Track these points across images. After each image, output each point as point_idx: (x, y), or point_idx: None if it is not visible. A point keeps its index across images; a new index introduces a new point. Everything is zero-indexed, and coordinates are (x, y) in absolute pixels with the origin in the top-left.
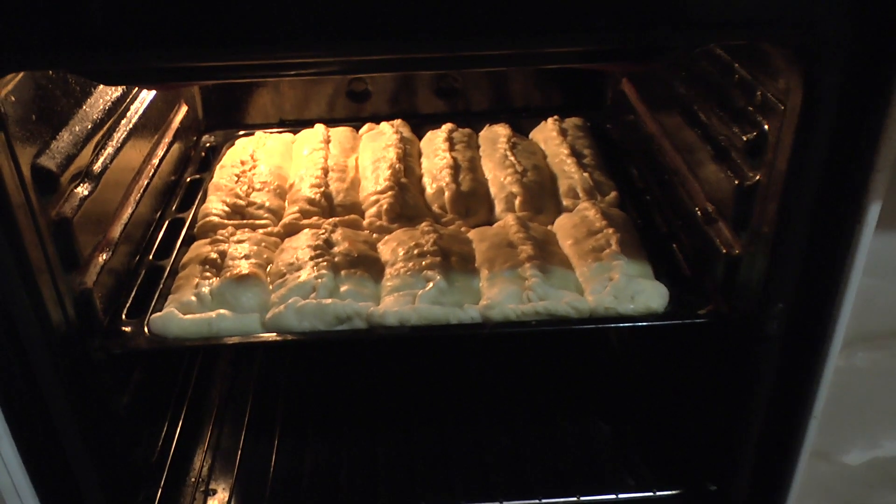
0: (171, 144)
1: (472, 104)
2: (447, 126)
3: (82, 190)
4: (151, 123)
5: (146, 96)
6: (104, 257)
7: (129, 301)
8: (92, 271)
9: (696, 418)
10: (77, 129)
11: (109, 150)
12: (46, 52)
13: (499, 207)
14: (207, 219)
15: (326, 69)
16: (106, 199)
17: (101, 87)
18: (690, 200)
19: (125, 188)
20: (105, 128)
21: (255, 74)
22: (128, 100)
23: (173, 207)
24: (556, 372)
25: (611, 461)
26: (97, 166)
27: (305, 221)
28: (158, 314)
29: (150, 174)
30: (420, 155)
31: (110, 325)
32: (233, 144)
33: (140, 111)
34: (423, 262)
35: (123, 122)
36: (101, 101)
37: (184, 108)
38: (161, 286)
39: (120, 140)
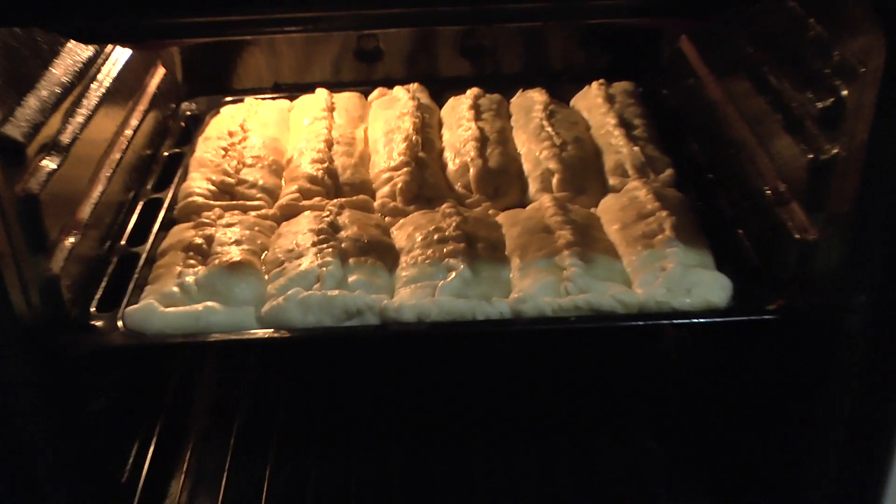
0: (146, 113)
1: (502, 66)
2: (473, 91)
3: (49, 163)
4: (125, 88)
5: (119, 56)
6: (72, 241)
7: (100, 292)
8: (58, 256)
9: (762, 433)
10: (44, 93)
11: (79, 118)
12: (16, 5)
13: (533, 187)
14: (190, 199)
15: (331, 24)
16: (75, 174)
17: (71, 45)
18: (759, 178)
19: (96, 163)
20: (75, 93)
21: (250, 31)
22: (99, 60)
23: (149, 186)
24: (597, 377)
25: (659, 483)
26: (66, 137)
27: (306, 202)
28: (135, 307)
29: (124, 147)
30: (441, 125)
31: (79, 319)
32: (218, 113)
33: (113, 74)
34: (445, 250)
35: (94, 86)
36: (71, 61)
37: (161, 71)
38: (136, 276)
39: (91, 107)
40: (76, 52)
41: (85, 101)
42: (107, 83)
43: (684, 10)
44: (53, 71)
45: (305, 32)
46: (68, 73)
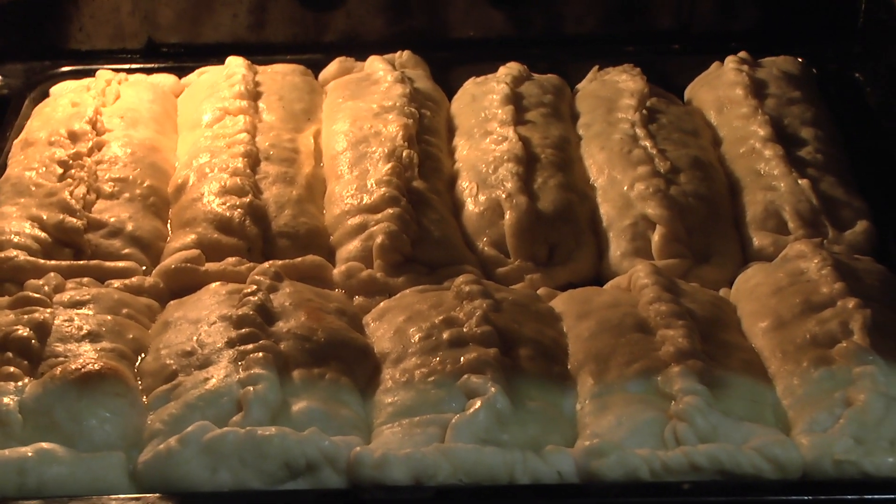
0: None
1: (559, 22)
2: (511, 68)
3: None
4: None
5: None
6: None
7: None
8: None
9: None
10: None
11: None
12: None
13: (617, 247)
14: (3, 255)
15: None
16: None
17: None
18: None
19: None
20: None
21: None
22: None
23: None
24: None
25: None
26: None
27: (212, 266)
28: None
29: None
30: (451, 129)
31: None
32: (48, 95)
33: None
34: (462, 359)
35: None
36: None
37: None
38: None
39: None
40: None
41: None
42: None
43: None
44: None
45: None
46: None
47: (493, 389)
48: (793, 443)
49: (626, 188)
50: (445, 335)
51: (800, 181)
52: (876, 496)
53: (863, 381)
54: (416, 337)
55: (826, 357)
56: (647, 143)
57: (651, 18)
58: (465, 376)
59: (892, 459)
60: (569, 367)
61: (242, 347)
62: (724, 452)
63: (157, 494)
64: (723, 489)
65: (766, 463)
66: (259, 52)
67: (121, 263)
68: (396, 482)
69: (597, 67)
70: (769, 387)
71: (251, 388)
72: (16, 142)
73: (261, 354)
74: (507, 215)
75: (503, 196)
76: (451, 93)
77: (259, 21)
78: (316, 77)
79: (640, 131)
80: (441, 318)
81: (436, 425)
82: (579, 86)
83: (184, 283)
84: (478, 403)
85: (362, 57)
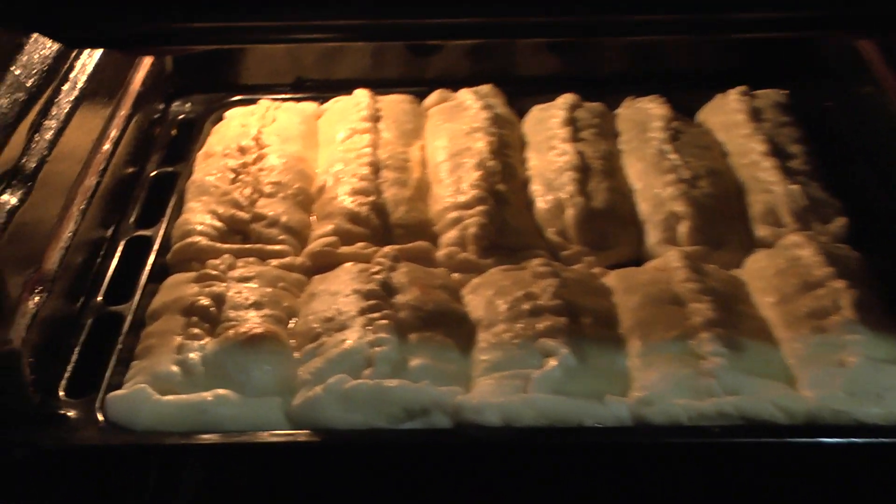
0: (129, 118)
1: (605, 63)
2: (567, 99)
3: (10, 198)
4: (104, 86)
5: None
6: (37, 301)
7: (70, 369)
8: (19, 324)
9: None
10: (3, 103)
11: (48, 133)
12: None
13: (653, 236)
14: (190, 240)
15: (378, 33)
16: (41, 210)
17: (36, 35)
18: None
19: (67, 192)
20: (42, 99)
21: (278, 38)
22: (73, 55)
23: (131, 219)
24: None
25: None
26: (31, 160)
27: (346, 249)
28: (120, 392)
29: (101, 168)
30: (523, 145)
31: (44, 407)
32: (222, 119)
33: (89, 69)
34: (539, 325)
35: (66, 87)
36: (38, 57)
37: (147, 61)
38: (119, 347)
39: (62, 117)
40: (43, 44)
41: (55, 110)
42: (81, 82)
43: (866, 25)
44: (15, 72)
45: (346, 42)
46: (34, 73)
47: (564, 350)
48: (799, 395)
49: (658, 190)
50: (526, 306)
51: (791, 186)
52: (861, 440)
53: (853, 347)
54: (503, 307)
55: (822, 326)
56: (674, 156)
57: (672, 63)
58: (542, 339)
59: (878, 410)
60: (620, 331)
61: (371, 315)
62: (745, 402)
63: (307, 431)
64: (742, 432)
65: (778, 411)
66: (379, 86)
67: (277, 247)
68: (490, 424)
69: (631, 97)
70: (777, 349)
71: (377, 349)
72: (199, 153)
73: (385, 321)
74: (568, 211)
75: (565, 196)
76: (521, 116)
77: (378, 62)
78: (420, 104)
79: (667, 147)
80: (522, 292)
81: (520, 378)
82: (617, 111)
83: (325, 263)
84: (552, 362)
85: (455, 89)
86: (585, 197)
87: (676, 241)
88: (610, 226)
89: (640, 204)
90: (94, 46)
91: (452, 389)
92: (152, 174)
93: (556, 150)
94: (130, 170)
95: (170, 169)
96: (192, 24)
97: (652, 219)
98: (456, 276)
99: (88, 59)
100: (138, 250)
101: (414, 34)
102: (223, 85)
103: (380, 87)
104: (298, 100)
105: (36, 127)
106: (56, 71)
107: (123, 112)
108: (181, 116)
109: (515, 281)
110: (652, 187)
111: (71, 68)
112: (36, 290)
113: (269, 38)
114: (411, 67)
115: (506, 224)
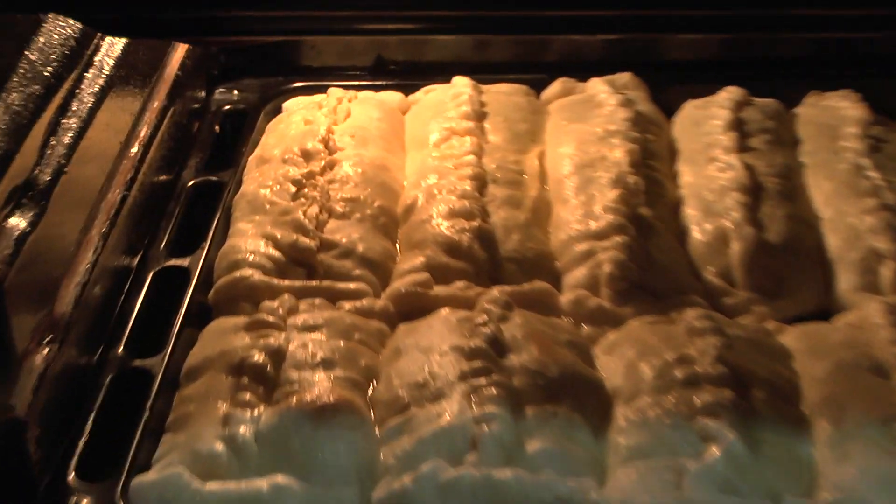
0: (163, 112)
1: (778, 44)
2: (731, 94)
3: (20, 220)
4: (135, 72)
5: None
6: (46, 354)
7: (84, 442)
8: (25, 383)
9: None
10: (15, 98)
11: (67, 137)
12: None
13: (846, 281)
14: (239, 274)
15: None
16: (55, 233)
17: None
18: None
19: (88, 210)
20: (62, 92)
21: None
22: (96, 37)
23: (163, 244)
24: None
25: None
26: (46, 172)
27: (441, 290)
28: (149, 476)
29: (128, 177)
30: (673, 154)
31: (52, 493)
32: (281, 111)
33: (116, 51)
34: (696, 400)
35: (90, 75)
36: (57, 38)
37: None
38: (147, 414)
39: (84, 114)
40: (64, 22)
41: (75, 105)
42: (107, 68)
43: None
44: (30, 56)
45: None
46: (53, 60)
47: (730, 436)
48: None
49: (853, 220)
50: (678, 373)
51: None
52: None
53: None
54: (649, 374)
55: None
56: (874, 174)
57: (866, 42)
58: (701, 419)
59: None
60: (803, 409)
61: (475, 381)
62: None
63: None
64: None
65: None
66: (482, 71)
67: (352, 285)
68: None
69: (815, 93)
70: None
71: (485, 427)
72: (251, 158)
73: (494, 390)
74: (734, 245)
75: (729, 225)
76: (669, 115)
77: (482, 42)
78: (537, 94)
79: (865, 161)
80: (673, 354)
81: (671, 471)
82: (797, 110)
83: (413, 307)
84: (715, 451)
85: (583, 77)
86: (756, 227)
87: (878, 289)
88: (788, 266)
89: (828, 237)
90: (125, 36)
91: (583, 483)
92: (190, 184)
93: (718, 162)
94: (163, 178)
95: (213, 178)
96: (244, 11)
97: (845, 258)
98: (586, 329)
99: (114, 42)
100: (172, 285)
101: (527, 26)
102: (282, 67)
103: (484, 73)
104: (379, 88)
105: (53, 127)
106: (79, 55)
107: (157, 104)
108: (227, 107)
109: (665, 338)
110: (845, 215)
111: (97, 50)
112: (45, 340)
113: (341, 27)
114: (525, 48)
115: (651, 261)
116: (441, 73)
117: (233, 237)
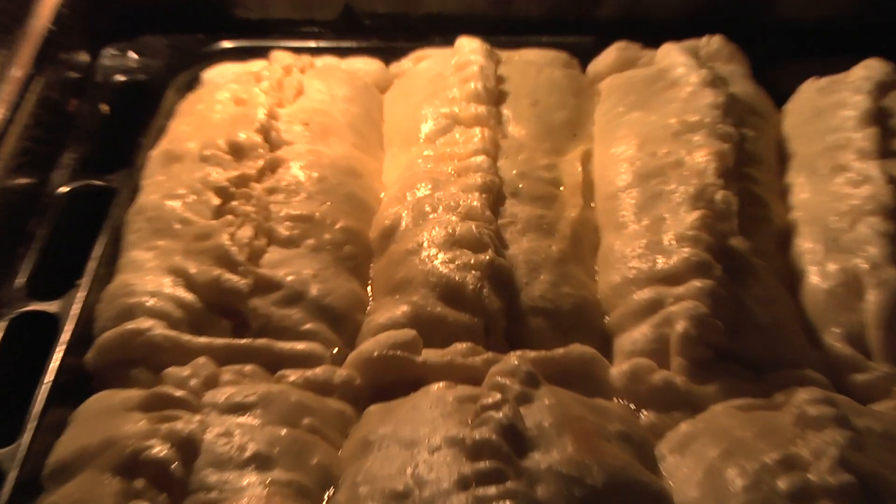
0: (24, 85)
1: None
2: (869, 69)
3: None
4: None
5: None
6: None
7: None
8: None
9: None
10: None
11: None
12: None
13: None
14: (133, 326)
15: None
16: None
17: None
18: None
19: None
20: None
21: None
22: None
23: (19, 281)
24: None
25: None
26: None
27: (433, 355)
28: None
29: None
30: (783, 157)
31: None
32: (197, 85)
33: None
34: None
35: None
36: None
37: None
38: None
39: None
40: None
41: None
42: None
43: None
44: None
45: None
46: None
47: None
48: None
49: None
50: (783, 484)
51: None
52: None
53: None
54: (739, 484)
55: None
56: None
57: None
58: None
59: None
60: None
61: (482, 492)
62: None
63: None
64: None
65: None
66: (503, 31)
67: (300, 345)
68: None
69: None
70: None
71: None
72: (154, 153)
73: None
74: (871, 295)
75: (864, 266)
76: (778, 99)
77: None
78: (584, 70)
79: None
80: (775, 455)
81: None
82: None
83: (391, 379)
84: None
85: (651, 42)
86: None
87: None
88: None
89: None
90: None
91: None
92: (63, 191)
93: (850, 172)
94: (22, 181)
95: (97, 182)
96: None
97: None
98: (648, 414)
99: None
100: (32, 341)
101: None
102: (201, 19)
103: (505, 33)
104: (347, 53)
105: None
106: None
107: (17, 72)
108: (121, 78)
109: (763, 432)
110: None
111: None
112: None
113: None
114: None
115: (746, 316)
116: (439, 31)
117: (125, 271)
